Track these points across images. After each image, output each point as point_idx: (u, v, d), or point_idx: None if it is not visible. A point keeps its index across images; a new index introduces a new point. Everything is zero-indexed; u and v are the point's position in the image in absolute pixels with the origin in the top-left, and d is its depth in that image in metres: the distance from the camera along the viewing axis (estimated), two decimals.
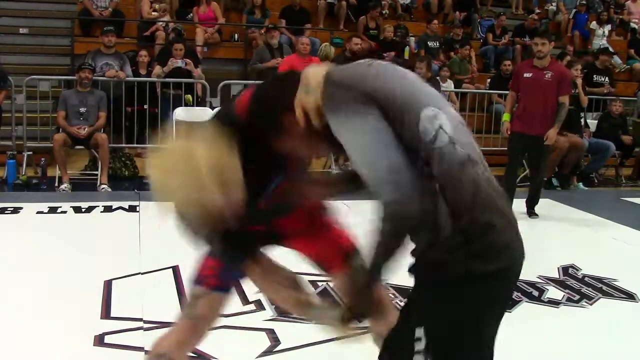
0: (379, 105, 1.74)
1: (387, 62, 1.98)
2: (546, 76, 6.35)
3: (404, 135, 1.74)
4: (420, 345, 1.83)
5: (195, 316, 2.40)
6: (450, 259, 1.76)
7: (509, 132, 6.67)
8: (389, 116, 1.74)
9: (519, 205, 6.63)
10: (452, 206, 1.74)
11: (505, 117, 6.80)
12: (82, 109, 7.39)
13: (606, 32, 13.39)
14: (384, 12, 12.21)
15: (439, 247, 1.78)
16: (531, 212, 6.81)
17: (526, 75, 6.48)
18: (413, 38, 12.01)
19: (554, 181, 8.64)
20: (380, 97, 1.74)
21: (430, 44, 11.60)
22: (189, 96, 8.41)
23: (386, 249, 1.84)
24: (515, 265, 1.96)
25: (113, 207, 6.31)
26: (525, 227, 6.06)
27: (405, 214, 1.73)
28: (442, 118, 1.77)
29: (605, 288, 4.56)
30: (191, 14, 10.89)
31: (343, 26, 11.92)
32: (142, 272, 4.39)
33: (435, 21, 12.05)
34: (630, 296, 4.43)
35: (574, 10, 14.03)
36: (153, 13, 10.44)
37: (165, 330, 2.65)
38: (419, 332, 1.84)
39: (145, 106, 8.45)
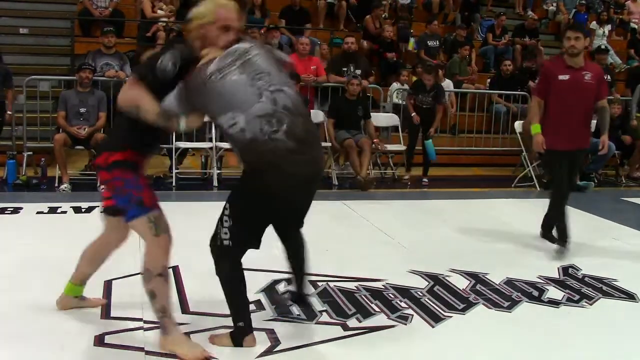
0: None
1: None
2: (585, 77, 5.31)
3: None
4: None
5: (165, 229, 3.39)
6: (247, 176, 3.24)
7: (544, 148, 5.32)
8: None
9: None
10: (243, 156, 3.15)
11: (536, 128, 5.37)
12: (82, 109, 7.39)
13: (606, 32, 13.39)
14: (383, 15, 12.21)
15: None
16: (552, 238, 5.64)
17: (562, 77, 5.28)
18: (413, 38, 12.01)
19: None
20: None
21: (430, 43, 11.59)
22: None
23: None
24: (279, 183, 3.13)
25: None
26: (524, 227, 6.11)
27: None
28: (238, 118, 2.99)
29: (605, 288, 4.55)
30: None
31: (343, 26, 11.92)
32: (142, 272, 4.38)
33: (436, 21, 12.05)
34: (630, 296, 4.43)
35: (573, 10, 14.03)
36: (159, 11, 10.43)
37: (145, 256, 3.34)
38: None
39: None
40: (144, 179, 3.32)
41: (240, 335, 3.29)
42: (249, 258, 4.75)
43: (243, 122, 2.96)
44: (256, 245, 3.40)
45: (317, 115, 8.36)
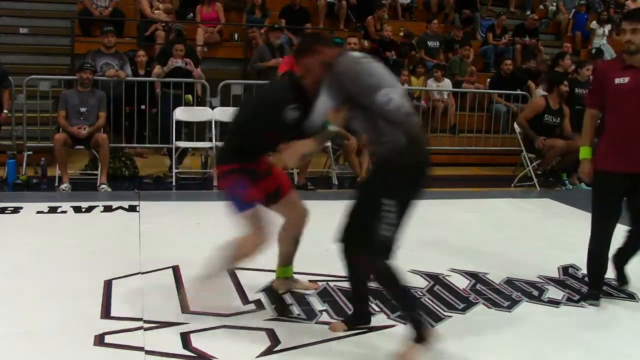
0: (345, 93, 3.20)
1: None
2: None
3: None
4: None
5: (263, 226, 3.62)
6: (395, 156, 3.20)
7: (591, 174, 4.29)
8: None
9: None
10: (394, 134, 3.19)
11: (585, 152, 4.32)
12: (83, 109, 7.38)
13: (606, 32, 13.39)
14: (383, 11, 12.22)
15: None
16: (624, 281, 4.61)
17: (620, 80, 4.09)
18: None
19: (566, 181, 8.66)
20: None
21: (430, 43, 11.60)
22: (189, 96, 8.40)
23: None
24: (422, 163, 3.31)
25: (113, 207, 6.31)
26: (524, 227, 6.12)
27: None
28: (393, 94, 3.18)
29: (606, 288, 4.54)
30: (192, 14, 10.88)
31: (343, 26, 11.92)
32: (142, 272, 4.39)
33: (435, 21, 12.06)
34: (630, 296, 4.43)
35: (573, 10, 14.03)
36: (156, 12, 10.44)
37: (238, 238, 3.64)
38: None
39: (143, 106, 8.44)
40: (252, 181, 3.61)
41: (422, 331, 3.24)
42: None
43: (398, 98, 3.17)
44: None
45: None
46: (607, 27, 13.44)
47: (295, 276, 4.27)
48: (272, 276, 4.35)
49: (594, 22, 13.50)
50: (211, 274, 3.72)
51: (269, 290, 4.16)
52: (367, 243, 3.27)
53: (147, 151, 9.16)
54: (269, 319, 3.70)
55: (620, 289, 4.51)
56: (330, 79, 3.21)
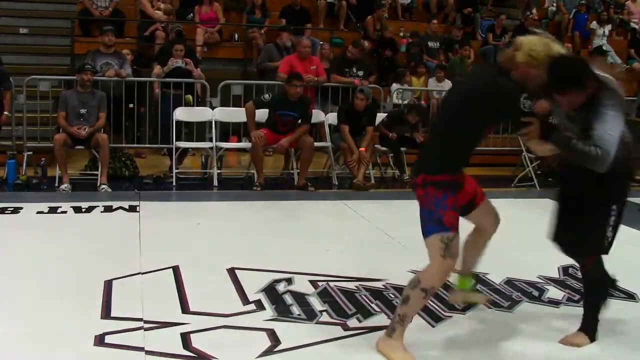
0: None
1: None
2: None
3: None
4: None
5: (453, 255, 3.27)
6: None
7: None
8: None
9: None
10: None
11: None
12: (83, 110, 7.37)
13: (606, 32, 13.38)
14: (385, 15, 12.22)
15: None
16: None
17: None
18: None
19: None
20: None
21: (430, 44, 11.60)
22: (189, 96, 8.41)
23: (576, 151, 3.26)
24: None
25: (113, 207, 6.31)
26: (524, 226, 6.11)
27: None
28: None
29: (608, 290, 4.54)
30: (191, 14, 10.88)
31: (343, 26, 11.92)
32: (142, 272, 4.39)
33: (435, 21, 12.05)
34: (630, 296, 4.43)
35: (573, 10, 14.02)
36: (157, 12, 10.44)
37: (424, 268, 3.35)
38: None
39: (131, 104, 8.42)
40: (452, 199, 3.39)
41: (593, 331, 3.56)
42: (249, 258, 4.78)
43: None
44: None
45: (318, 115, 8.35)
46: (608, 28, 13.44)
47: (296, 276, 4.26)
48: (273, 276, 4.35)
49: (594, 22, 13.49)
50: (408, 315, 3.32)
51: (269, 290, 4.15)
52: (597, 245, 3.61)
53: (145, 151, 9.16)
54: (269, 319, 3.70)
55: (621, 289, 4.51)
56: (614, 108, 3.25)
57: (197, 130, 8.42)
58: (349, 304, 3.97)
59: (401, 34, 12.15)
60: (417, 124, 8.52)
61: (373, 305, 3.97)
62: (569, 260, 5.03)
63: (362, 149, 7.88)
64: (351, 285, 4.29)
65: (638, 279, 4.75)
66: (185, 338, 3.39)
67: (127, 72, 8.32)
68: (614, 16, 14.17)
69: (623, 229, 6.48)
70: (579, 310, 4.11)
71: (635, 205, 7.63)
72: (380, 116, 8.79)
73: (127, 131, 8.46)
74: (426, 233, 3.35)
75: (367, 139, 8.05)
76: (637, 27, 14.08)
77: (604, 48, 11.86)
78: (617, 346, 3.62)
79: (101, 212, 6.17)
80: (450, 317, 3.88)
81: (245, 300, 3.98)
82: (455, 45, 11.59)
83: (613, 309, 4.16)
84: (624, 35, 13.94)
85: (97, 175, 7.36)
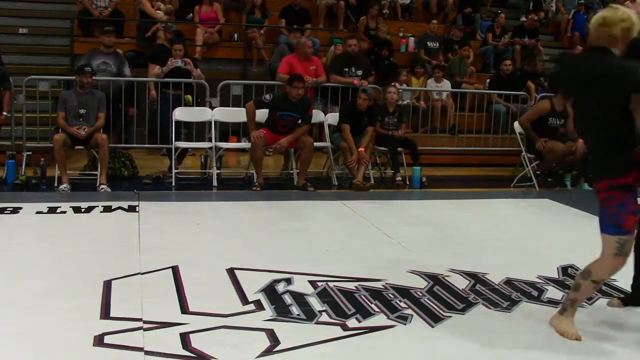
0: None
1: None
2: None
3: None
4: None
5: (625, 253, 3.46)
6: None
7: None
8: None
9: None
10: None
11: None
12: (82, 110, 7.37)
13: None
14: (384, 11, 12.23)
15: None
16: None
17: None
18: (412, 38, 12.03)
19: (567, 182, 8.69)
20: None
21: (429, 44, 11.61)
22: (189, 96, 8.41)
23: None
24: None
25: (113, 207, 6.31)
26: (524, 227, 6.11)
27: None
28: None
29: (604, 288, 4.53)
30: (191, 14, 10.89)
31: (342, 26, 11.93)
32: (141, 272, 4.39)
33: (435, 21, 12.06)
34: (627, 295, 4.42)
35: (573, 11, 14.03)
36: (157, 12, 10.44)
37: (596, 261, 3.59)
38: None
39: (132, 110, 8.42)
40: (635, 204, 3.46)
41: None
42: (248, 259, 4.78)
43: None
44: None
45: (318, 115, 8.35)
46: None
47: (296, 276, 4.26)
48: (272, 276, 4.35)
49: None
50: (578, 300, 3.70)
51: (268, 290, 4.15)
52: None
53: (144, 151, 9.15)
54: (268, 319, 3.69)
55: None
56: None
57: (197, 131, 8.42)
58: (348, 304, 3.97)
59: (400, 34, 12.16)
60: (399, 121, 8.48)
61: (372, 305, 3.97)
62: (568, 261, 5.06)
63: (361, 149, 7.88)
64: (350, 286, 4.29)
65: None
66: (184, 338, 3.39)
67: (126, 73, 8.31)
68: None
69: None
70: (578, 310, 4.11)
71: None
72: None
73: (126, 131, 8.46)
74: (604, 230, 3.53)
75: (367, 139, 8.05)
76: None
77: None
78: (616, 345, 3.62)
79: (100, 212, 6.17)
80: (450, 317, 3.87)
81: (244, 300, 3.97)
82: (455, 45, 11.60)
83: (612, 308, 4.18)
84: None
85: (96, 175, 7.36)
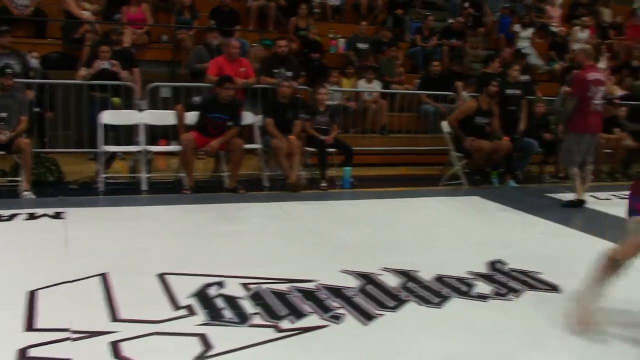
0: None
1: None
2: None
3: None
4: None
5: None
6: None
7: None
8: None
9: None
10: None
11: None
12: (3, 114, 7.12)
13: (529, 35, 13.76)
14: (313, 11, 12.26)
15: None
16: None
17: None
18: (343, 39, 12.09)
19: (494, 179, 8.88)
20: None
21: (359, 45, 11.69)
22: (116, 99, 8.24)
23: None
24: None
25: (37, 215, 6.11)
26: (453, 224, 6.22)
27: None
28: None
29: (531, 281, 4.68)
30: (118, 15, 10.66)
31: (273, 27, 11.89)
32: (69, 280, 4.27)
33: (364, 22, 12.15)
34: (553, 288, 4.56)
35: (498, 14, 14.39)
36: (83, 12, 10.17)
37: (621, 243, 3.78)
38: None
39: (49, 113, 8.20)
40: None
41: None
42: (180, 263, 4.72)
43: None
44: None
45: (248, 117, 8.30)
46: (530, 30, 13.82)
47: (228, 279, 4.23)
48: (203, 280, 4.30)
49: (518, 25, 13.86)
50: (596, 283, 3.78)
51: (200, 294, 4.10)
52: None
53: (71, 156, 8.92)
54: (201, 324, 3.65)
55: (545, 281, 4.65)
56: None
57: (125, 134, 8.25)
58: (281, 305, 3.96)
59: (330, 36, 12.21)
60: (330, 121, 8.51)
61: (305, 306, 3.97)
62: (495, 256, 5.19)
63: (291, 137, 7.90)
64: (283, 287, 4.28)
65: (561, 271, 4.89)
66: (114, 347, 3.31)
67: (34, 66, 8.01)
68: (536, 20, 14.59)
69: (547, 223, 6.75)
70: (507, 304, 4.22)
71: (556, 201, 7.91)
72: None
73: (51, 135, 8.23)
74: (633, 214, 3.82)
75: (296, 130, 8.08)
76: (556, 30, 14.55)
77: (523, 51, 12.21)
78: (544, 335, 3.72)
79: (24, 219, 5.97)
80: (383, 315, 3.91)
81: (176, 305, 3.92)
82: (384, 46, 11.72)
83: (538, 301, 4.30)
84: (545, 38, 14.37)
85: (19, 181, 7.11)
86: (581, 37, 13.97)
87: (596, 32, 14.80)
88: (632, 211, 3.83)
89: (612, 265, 3.74)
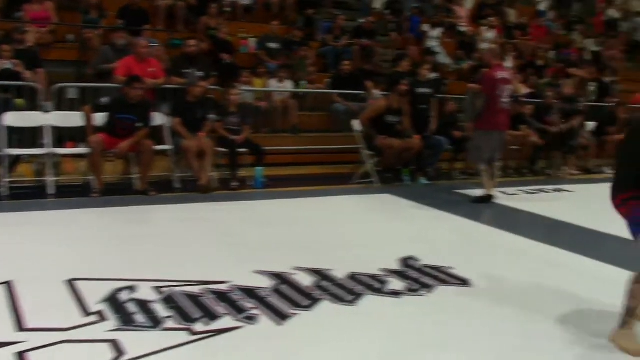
0: None
1: None
2: None
3: None
4: None
5: None
6: None
7: None
8: None
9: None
10: None
11: None
12: None
13: (438, 35, 14.10)
14: (224, 10, 12.18)
15: None
16: None
17: None
18: (254, 39, 12.06)
19: (405, 177, 9.03)
20: None
21: (270, 45, 11.69)
22: (20, 100, 7.95)
23: None
24: None
25: None
26: (366, 222, 6.31)
27: None
28: None
29: (443, 276, 4.80)
30: (20, 13, 10.28)
31: (183, 27, 11.75)
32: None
33: (276, 22, 12.16)
34: (464, 282, 4.70)
35: (409, 14, 14.67)
36: None
37: None
38: None
39: None
40: None
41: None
42: (89, 268, 4.60)
43: None
44: None
45: (158, 118, 8.17)
46: (439, 30, 14.16)
47: (140, 283, 4.16)
48: (113, 285, 4.22)
49: (427, 25, 14.17)
50: (629, 312, 3.65)
51: (112, 299, 4.02)
52: None
53: None
54: (112, 330, 3.58)
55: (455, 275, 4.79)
56: None
57: (30, 137, 7.98)
58: (194, 308, 3.93)
59: (241, 35, 12.16)
60: (242, 121, 8.50)
61: (219, 308, 3.95)
62: (408, 252, 5.29)
63: (201, 133, 7.83)
64: (196, 289, 4.24)
65: (471, 265, 5.03)
66: (21, 357, 3.21)
67: None
68: (445, 20, 14.96)
69: (457, 219, 6.94)
70: (420, 300, 4.32)
71: (466, 197, 8.14)
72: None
73: None
74: (634, 234, 3.64)
75: (205, 130, 8.02)
76: (464, 30, 14.97)
77: (432, 50, 12.50)
78: (457, 328, 3.82)
79: None
80: (297, 314, 3.93)
81: (86, 311, 3.82)
82: (295, 46, 11.76)
83: (450, 295, 4.42)
84: (453, 37, 14.75)
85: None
86: (488, 37, 14.42)
87: (502, 32, 15.33)
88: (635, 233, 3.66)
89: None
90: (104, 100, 7.46)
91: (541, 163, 10.95)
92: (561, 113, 10.86)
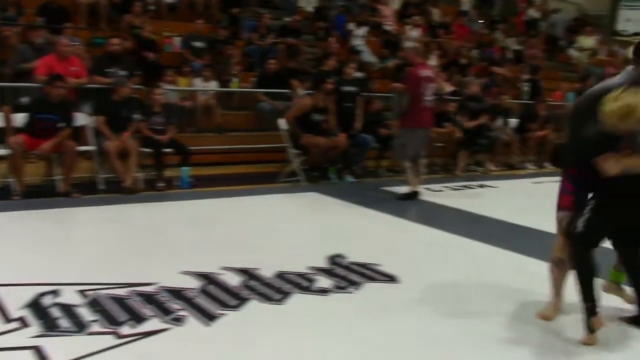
0: None
1: None
2: None
3: None
4: None
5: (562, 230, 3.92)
6: None
7: None
8: None
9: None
10: None
11: None
12: None
13: (364, 33, 14.25)
14: (148, 8, 12.00)
15: None
16: None
17: None
18: (178, 37, 11.93)
19: (332, 175, 9.10)
20: None
21: (195, 44, 11.58)
22: None
23: None
24: None
25: None
26: (293, 221, 6.35)
27: None
28: None
29: (370, 273, 4.87)
30: None
31: (106, 25, 11.51)
32: None
33: (200, 21, 12.06)
34: (391, 278, 4.78)
35: (335, 13, 14.77)
36: None
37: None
38: None
39: None
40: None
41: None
42: (10, 273, 4.48)
43: None
44: None
45: (81, 117, 8.00)
46: (365, 29, 14.32)
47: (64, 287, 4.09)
48: (36, 290, 4.12)
49: (353, 23, 14.30)
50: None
51: (34, 304, 3.93)
52: None
53: None
54: (35, 336, 3.50)
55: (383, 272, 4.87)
56: None
57: None
58: (120, 310, 3.88)
59: (165, 34, 12.01)
60: (167, 121, 8.42)
61: (145, 310, 3.91)
62: (335, 250, 5.35)
63: (126, 132, 7.71)
64: (122, 292, 4.19)
65: (397, 261, 5.13)
66: None
67: None
68: (370, 19, 15.13)
69: (383, 216, 7.04)
70: (347, 297, 4.38)
71: (392, 194, 8.28)
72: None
73: None
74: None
75: (132, 128, 7.90)
76: (389, 29, 15.18)
77: (357, 48, 12.63)
78: (383, 324, 3.89)
79: None
80: (225, 314, 3.93)
81: (6, 318, 3.72)
82: (220, 45, 11.69)
83: (377, 292, 4.50)
84: (378, 36, 14.94)
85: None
86: (412, 35, 14.66)
87: (426, 31, 15.61)
88: (557, 206, 3.99)
89: (559, 264, 4.02)
90: (24, 100, 7.25)
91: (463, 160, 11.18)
92: (469, 112, 11.08)
